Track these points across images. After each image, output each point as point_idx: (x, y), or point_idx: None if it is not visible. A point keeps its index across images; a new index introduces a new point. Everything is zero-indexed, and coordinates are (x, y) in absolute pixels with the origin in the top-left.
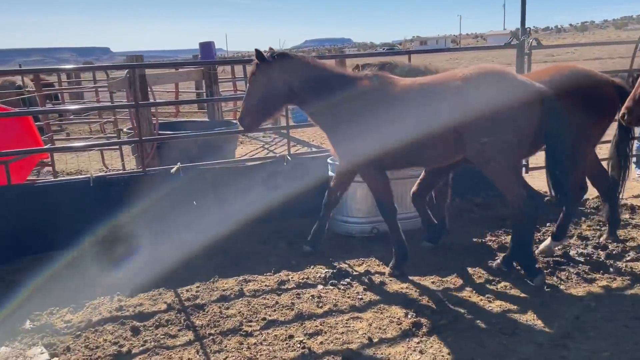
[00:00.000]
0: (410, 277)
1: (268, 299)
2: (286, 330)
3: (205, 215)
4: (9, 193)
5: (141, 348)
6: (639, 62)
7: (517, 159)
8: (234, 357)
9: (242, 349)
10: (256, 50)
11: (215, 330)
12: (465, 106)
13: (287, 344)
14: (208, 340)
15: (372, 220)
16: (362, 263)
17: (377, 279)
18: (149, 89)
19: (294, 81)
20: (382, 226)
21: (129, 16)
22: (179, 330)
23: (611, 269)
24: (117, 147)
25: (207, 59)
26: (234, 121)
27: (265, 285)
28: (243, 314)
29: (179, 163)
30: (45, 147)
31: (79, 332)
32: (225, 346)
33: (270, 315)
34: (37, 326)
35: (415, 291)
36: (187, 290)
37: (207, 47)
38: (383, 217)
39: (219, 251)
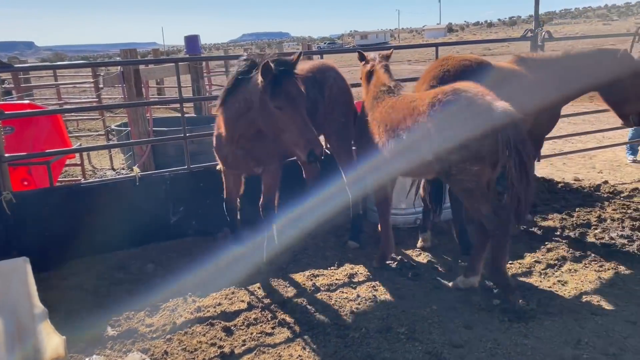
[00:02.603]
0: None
1: (347, 293)
2: (383, 323)
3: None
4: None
5: (243, 348)
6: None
7: (481, 180)
8: (346, 352)
9: (347, 342)
10: (359, 52)
11: (309, 326)
12: (430, 132)
13: (389, 336)
14: (308, 336)
15: (415, 212)
16: (420, 254)
17: (440, 268)
18: (142, 85)
19: None
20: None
21: (55, 8)
22: (272, 328)
23: None
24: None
25: (192, 52)
26: None
27: (337, 279)
28: (331, 308)
29: (136, 167)
30: (77, 146)
31: (169, 336)
32: (329, 341)
33: (356, 309)
34: (121, 332)
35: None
36: (259, 288)
37: (192, 41)
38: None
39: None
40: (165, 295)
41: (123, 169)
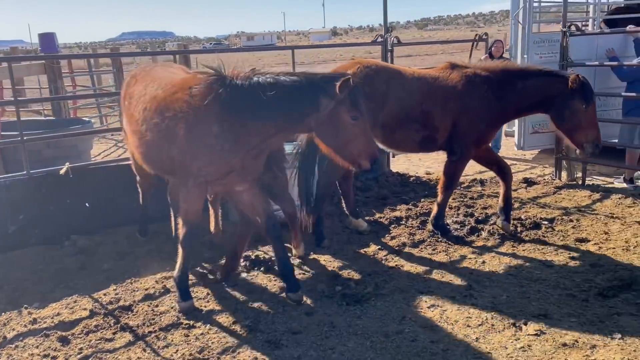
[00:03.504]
0: (324, 256)
1: (197, 292)
2: (228, 318)
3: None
4: None
5: (79, 356)
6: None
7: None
8: (185, 349)
9: (190, 340)
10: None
11: (154, 328)
12: None
13: (233, 329)
14: (151, 338)
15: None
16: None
17: (294, 261)
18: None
19: None
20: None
21: None
22: (113, 334)
23: (483, 232)
24: None
25: (48, 51)
26: (85, 119)
27: (189, 280)
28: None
29: (67, 163)
30: None
31: None
32: (172, 340)
33: (205, 306)
34: None
35: (334, 267)
36: (105, 294)
37: (48, 39)
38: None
39: (120, 253)
40: None
41: None
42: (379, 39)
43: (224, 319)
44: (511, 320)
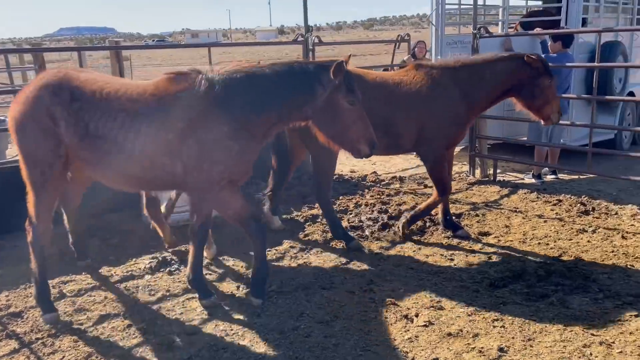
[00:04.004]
0: (235, 256)
1: (95, 296)
2: (123, 322)
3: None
4: None
5: None
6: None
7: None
8: (72, 356)
9: (79, 346)
10: None
11: (43, 334)
12: None
13: (127, 332)
14: (37, 345)
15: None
16: (187, 250)
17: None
18: None
19: None
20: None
21: None
22: None
23: (394, 228)
24: None
25: None
26: (1, 117)
27: (87, 284)
28: (70, 313)
29: None
30: None
31: None
32: (59, 347)
33: (102, 310)
34: None
35: (242, 267)
36: None
37: None
38: None
39: (21, 258)
40: None
41: None
42: (300, 38)
43: (119, 322)
44: (404, 313)
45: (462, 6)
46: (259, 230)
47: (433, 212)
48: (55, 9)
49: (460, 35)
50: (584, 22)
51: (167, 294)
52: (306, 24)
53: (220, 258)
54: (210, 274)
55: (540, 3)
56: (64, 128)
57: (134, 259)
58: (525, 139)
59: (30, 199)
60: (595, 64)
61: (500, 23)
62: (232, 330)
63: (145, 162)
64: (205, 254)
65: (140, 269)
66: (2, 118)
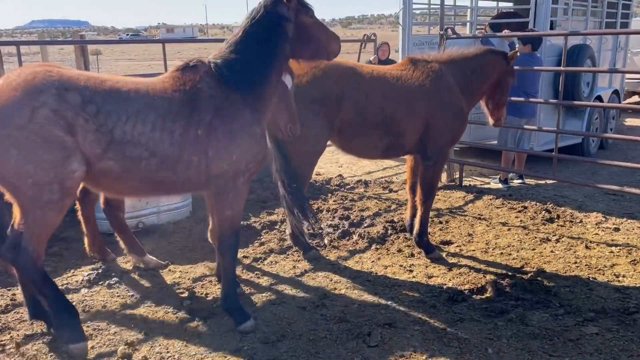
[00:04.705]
0: (182, 266)
1: (22, 313)
2: (49, 343)
3: None
4: None
5: None
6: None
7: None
8: None
9: None
10: None
11: None
12: None
13: (51, 356)
14: None
15: (137, 215)
16: (130, 260)
17: (147, 273)
18: None
19: None
20: (148, 220)
21: None
22: None
23: (354, 236)
24: None
25: None
26: None
27: (15, 299)
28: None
29: None
30: None
31: None
32: None
33: (27, 330)
34: None
35: (189, 279)
36: None
37: None
38: None
39: None
40: None
41: None
42: None
43: (43, 344)
44: (356, 331)
45: (431, 6)
46: (234, 245)
47: (396, 219)
48: (27, 1)
49: (429, 35)
50: (552, 25)
51: (103, 310)
52: None
53: (172, 268)
54: (152, 287)
55: (511, 5)
56: (81, 137)
57: (72, 270)
58: (492, 143)
59: (28, 220)
60: (562, 67)
61: (468, 24)
62: (168, 352)
63: (179, 164)
64: (133, 258)
65: (77, 281)
66: None
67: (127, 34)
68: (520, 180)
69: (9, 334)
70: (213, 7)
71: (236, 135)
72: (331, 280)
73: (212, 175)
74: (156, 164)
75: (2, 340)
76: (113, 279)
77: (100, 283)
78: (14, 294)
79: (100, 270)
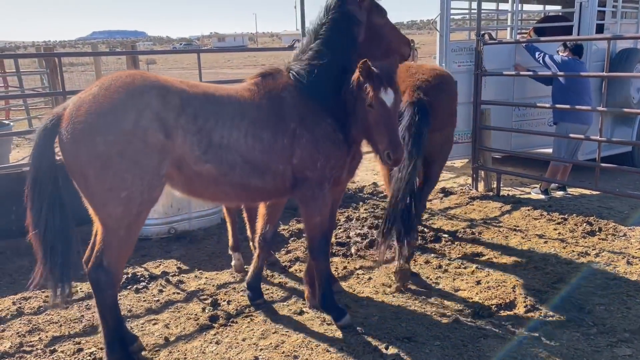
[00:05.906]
0: (209, 272)
1: (53, 315)
2: (74, 345)
3: None
4: None
5: None
6: None
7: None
8: None
9: None
10: None
11: None
12: None
13: (75, 357)
14: None
15: (169, 221)
16: (160, 265)
17: (174, 279)
18: None
19: None
20: (180, 226)
21: None
22: None
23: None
24: None
25: None
26: (5, 121)
27: (44, 302)
28: (22, 334)
29: None
30: None
31: None
32: None
33: (56, 332)
34: None
35: (213, 286)
36: None
37: None
38: None
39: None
40: None
41: None
42: (296, 44)
43: (70, 346)
44: (375, 344)
45: (472, 11)
46: (324, 248)
47: (426, 230)
48: (89, 13)
49: (468, 41)
50: (601, 29)
51: (129, 314)
52: (303, 29)
53: (198, 274)
54: (177, 293)
55: (559, 7)
56: (180, 139)
57: None
58: (534, 151)
59: (109, 240)
60: (604, 73)
61: (508, 29)
62: (185, 358)
63: (267, 171)
64: None
65: None
66: (6, 122)
67: (181, 44)
68: (562, 191)
69: (38, 335)
70: (263, 16)
71: (319, 142)
72: (354, 290)
73: (297, 182)
74: (249, 170)
75: (31, 341)
76: (141, 284)
77: (128, 287)
78: (46, 296)
79: (129, 275)
